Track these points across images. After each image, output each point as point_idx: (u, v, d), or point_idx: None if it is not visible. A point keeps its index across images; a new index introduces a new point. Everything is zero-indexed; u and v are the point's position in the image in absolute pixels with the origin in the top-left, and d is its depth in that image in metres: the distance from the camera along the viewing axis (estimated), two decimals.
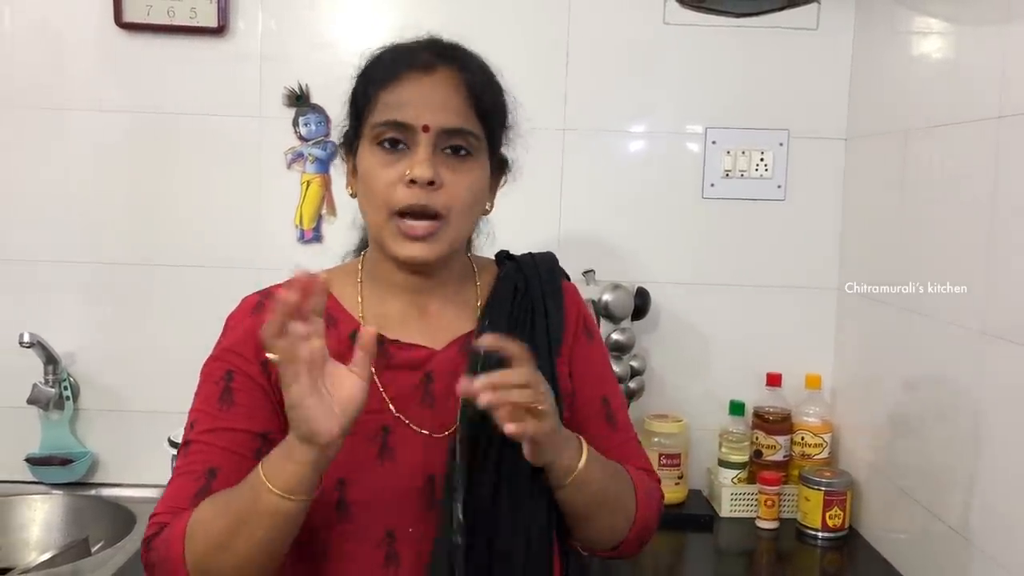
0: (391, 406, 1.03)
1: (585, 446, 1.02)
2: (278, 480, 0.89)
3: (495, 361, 0.95)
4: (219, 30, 1.82)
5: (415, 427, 1.03)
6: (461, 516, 0.97)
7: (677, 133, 1.90)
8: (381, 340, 1.01)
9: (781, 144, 1.89)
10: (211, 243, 1.88)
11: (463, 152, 1.02)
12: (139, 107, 1.85)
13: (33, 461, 1.87)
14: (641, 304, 1.80)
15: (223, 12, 1.81)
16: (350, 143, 1.08)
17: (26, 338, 1.78)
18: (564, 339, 1.12)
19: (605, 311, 1.75)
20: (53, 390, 1.84)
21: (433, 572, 0.98)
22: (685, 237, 1.91)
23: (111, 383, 1.90)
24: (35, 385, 1.83)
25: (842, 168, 1.89)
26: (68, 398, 1.87)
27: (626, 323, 1.76)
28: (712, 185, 1.90)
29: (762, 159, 1.89)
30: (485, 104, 1.04)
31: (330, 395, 0.87)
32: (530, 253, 1.17)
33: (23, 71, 1.85)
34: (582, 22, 1.86)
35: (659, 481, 1.18)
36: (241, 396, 1.01)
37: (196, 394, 1.05)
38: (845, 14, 1.86)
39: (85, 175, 1.87)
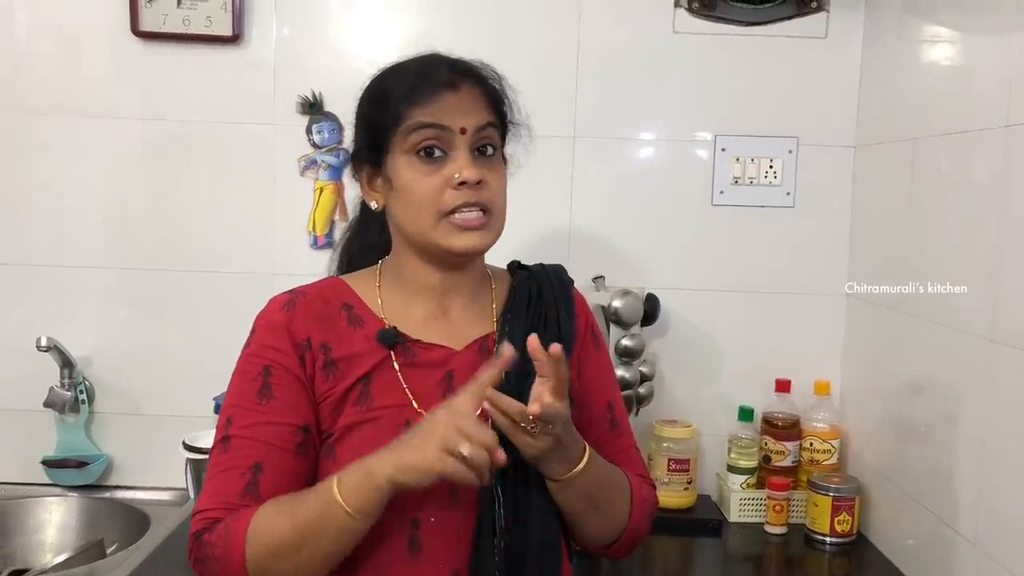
0: (414, 402, 1.07)
1: (588, 452, 1.07)
2: (356, 502, 0.95)
3: (520, 366, 1.02)
4: (234, 39, 1.84)
5: None
6: (502, 494, 1.04)
7: (687, 140, 1.91)
8: (405, 339, 1.09)
9: (790, 152, 1.89)
10: (225, 249, 1.90)
11: (490, 151, 1.09)
12: (155, 115, 1.88)
13: (49, 464, 1.89)
14: (650, 310, 1.81)
15: (238, 21, 1.83)
16: (373, 160, 1.11)
17: (43, 342, 1.80)
18: (574, 344, 1.17)
19: (615, 317, 1.75)
20: (69, 393, 1.86)
21: (479, 544, 1.04)
22: (694, 244, 1.92)
23: (126, 387, 1.93)
24: (51, 388, 1.86)
25: (851, 176, 1.89)
26: (84, 401, 1.89)
27: (636, 329, 1.77)
28: (721, 192, 1.91)
29: (771, 166, 1.90)
30: (501, 108, 1.12)
31: None
32: (541, 264, 1.23)
33: (41, 79, 1.88)
34: (592, 30, 1.87)
35: (654, 487, 1.24)
36: (280, 390, 1.05)
37: (229, 393, 1.08)
38: (854, 23, 1.87)
39: (102, 182, 1.89)
